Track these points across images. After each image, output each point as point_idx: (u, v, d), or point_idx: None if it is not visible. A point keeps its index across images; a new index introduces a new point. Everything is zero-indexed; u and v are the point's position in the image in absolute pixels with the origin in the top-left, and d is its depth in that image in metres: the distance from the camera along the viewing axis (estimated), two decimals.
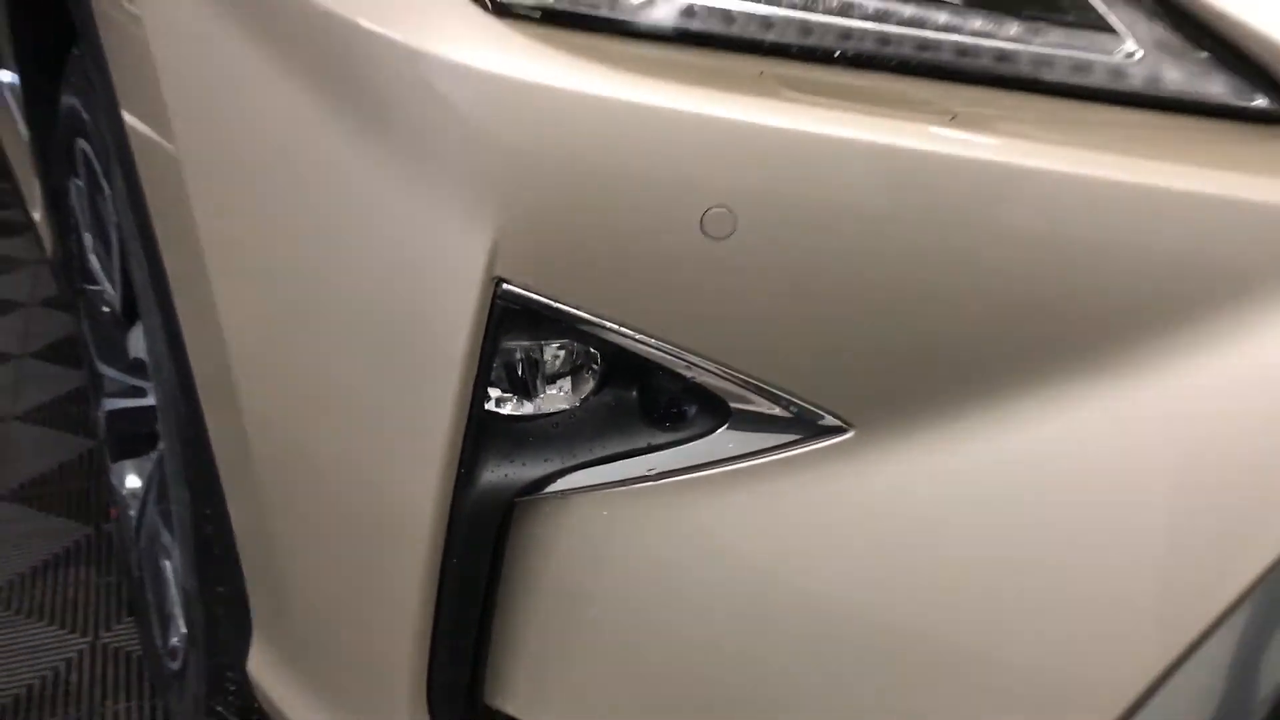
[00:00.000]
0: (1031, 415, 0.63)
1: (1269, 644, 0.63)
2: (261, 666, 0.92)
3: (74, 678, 1.45)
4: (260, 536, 0.86)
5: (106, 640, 1.53)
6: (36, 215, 1.86)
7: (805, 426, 0.66)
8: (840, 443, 0.66)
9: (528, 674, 0.77)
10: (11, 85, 1.77)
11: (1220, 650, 0.63)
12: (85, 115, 1.21)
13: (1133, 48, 0.63)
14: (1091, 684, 0.64)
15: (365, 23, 0.64)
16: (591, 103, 0.60)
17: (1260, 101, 0.62)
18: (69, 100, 1.30)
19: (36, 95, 1.55)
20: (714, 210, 0.60)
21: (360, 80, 0.65)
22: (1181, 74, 0.63)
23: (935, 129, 0.59)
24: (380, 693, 0.79)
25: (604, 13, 0.62)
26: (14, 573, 1.69)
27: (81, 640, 1.54)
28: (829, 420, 0.65)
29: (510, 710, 0.78)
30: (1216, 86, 0.63)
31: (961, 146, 0.59)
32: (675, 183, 0.60)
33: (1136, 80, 0.63)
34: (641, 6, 0.63)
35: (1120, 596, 0.63)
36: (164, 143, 0.81)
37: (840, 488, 0.66)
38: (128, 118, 0.88)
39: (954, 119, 0.60)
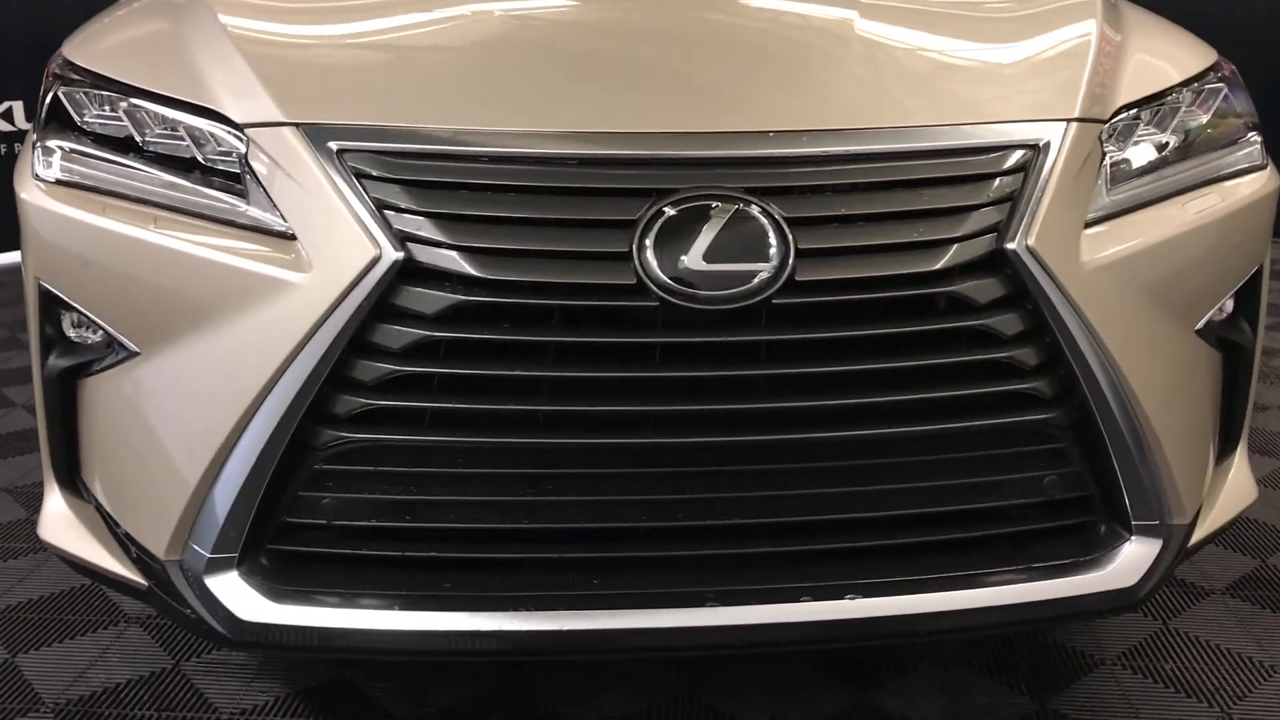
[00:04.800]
0: (184, 347, 1.58)
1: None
2: None
3: None
4: None
5: None
6: None
7: (128, 350, 1.64)
8: (139, 357, 1.63)
9: (89, 462, 1.78)
10: None
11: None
12: None
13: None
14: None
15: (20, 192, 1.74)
16: (65, 220, 1.65)
17: (279, 228, 1.55)
18: None
19: None
20: (85, 262, 1.62)
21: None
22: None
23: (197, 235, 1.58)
24: (48, 471, 1.84)
25: (72, 179, 1.68)
26: None
27: None
28: (134, 347, 1.63)
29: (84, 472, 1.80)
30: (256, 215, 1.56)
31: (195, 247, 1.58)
32: (90, 246, 1.63)
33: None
34: (89, 182, 1.67)
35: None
36: None
37: (142, 371, 1.63)
38: None
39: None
